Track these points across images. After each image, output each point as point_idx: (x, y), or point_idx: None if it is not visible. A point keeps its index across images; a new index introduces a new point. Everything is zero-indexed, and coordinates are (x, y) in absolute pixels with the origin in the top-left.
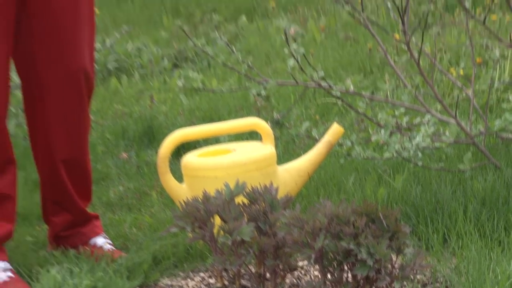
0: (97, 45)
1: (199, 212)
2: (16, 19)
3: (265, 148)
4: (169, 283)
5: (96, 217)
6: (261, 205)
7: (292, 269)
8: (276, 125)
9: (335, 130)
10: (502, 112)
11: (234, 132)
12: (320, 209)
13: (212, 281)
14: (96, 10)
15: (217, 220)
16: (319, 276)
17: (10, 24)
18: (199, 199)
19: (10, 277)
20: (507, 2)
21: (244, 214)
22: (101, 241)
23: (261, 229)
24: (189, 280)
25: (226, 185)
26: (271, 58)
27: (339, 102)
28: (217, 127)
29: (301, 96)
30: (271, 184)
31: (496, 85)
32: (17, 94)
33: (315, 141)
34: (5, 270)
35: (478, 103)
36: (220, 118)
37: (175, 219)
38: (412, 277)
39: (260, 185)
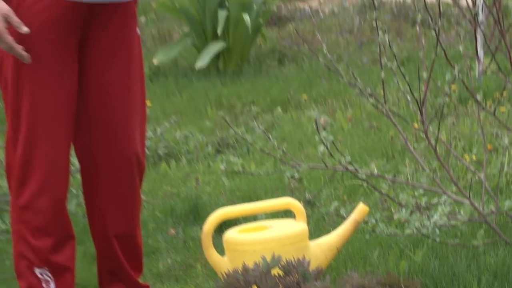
0: (149, 133)
1: (239, 283)
2: (76, 111)
3: (298, 225)
4: None
5: (147, 287)
6: (294, 276)
7: None
8: (308, 204)
9: (361, 209)
10: None
11: (270, 210)
12: (348, 280)
13: None
14: (148, 103)
15: None
16: None
17: (72, 116)
18: (239, 271)
19: None
20: None
21: (280, 284)
22: None
23: None
24: None
25: (263, 258)
26: (303, 144)
27: (365, 184)
28: (255, 206)
29: (330, 179)
30: (304, 257)
31: (505, 169)
32: (77, 177)
33: (343, 219)
34: None
35: (490, 185)
36: (257, 198)
37: None
38: None
39: (294, 258)
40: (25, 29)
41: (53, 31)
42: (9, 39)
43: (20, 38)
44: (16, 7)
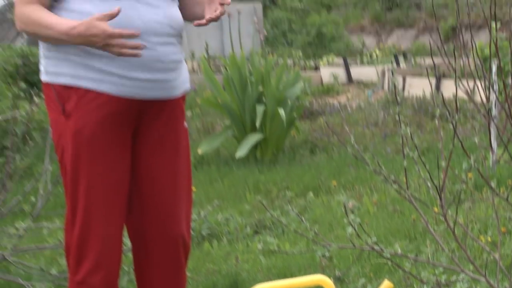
0: (194, 215)
1: None
2: (129, 195)
3: None
4: None
5: None
6: None
7: None
8: (338, 281)
9: (386, 285)
10: None
11: (303, 286)
12: None
13: None
14: (193, 188)
15: None
16: None
17: (124, 200)
18: None
19: None
20: None
21: None
22: None
23: None
24: None
25: None
26: (333, 226)
27: (389, 263)
28: (289, 282)
29: (358, 257)
30: None
31: None
32: (129, 256)
33: None
34: None
35: (504, 264)
36: (292, 275)
37: None
38: None
39: None
40: (117, 9)
41: (109, 124)
42: (116, 30)
43: (79, 129)
44: (76, 102)
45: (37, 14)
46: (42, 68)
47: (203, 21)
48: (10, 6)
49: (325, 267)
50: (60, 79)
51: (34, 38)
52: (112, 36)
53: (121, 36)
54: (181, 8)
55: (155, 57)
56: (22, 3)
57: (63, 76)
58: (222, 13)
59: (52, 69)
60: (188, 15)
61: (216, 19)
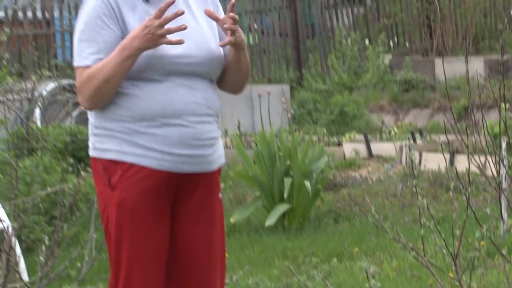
0: (226, 280)
1: None
2: (167, 261)
3: None
4: None
5: None
6: None
7: None
8: None
9: None
10: None
11: None
12: None
13: None
14: (226, 254)
15: None
16: None
17: (163, 265)
18: None
19: None
20: None
21: None
22: None
23: None
24: None
25: None
26: None
27: None
28: None
29: None
30: None
31: None
32: None
33: None
34: None
35: None
36: None
37: None
38: None
39: None
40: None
41: (150, 195)
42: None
43: (122, 200)
44: (120, 175)
45: (93, 68)
46: (90, 144)
47: (227, 40)
48: (60, 89)
49: None
50: (106, 154)
51: (104, 91)
52: (157, 16)
53: (162, 12)
54: (227, 80)
55: (194, 135)
56: (80, 75)
57: (109, 152)
58: (236, 19)
59: (100, 146)
60: (235, 84)
61: (232, 28)
